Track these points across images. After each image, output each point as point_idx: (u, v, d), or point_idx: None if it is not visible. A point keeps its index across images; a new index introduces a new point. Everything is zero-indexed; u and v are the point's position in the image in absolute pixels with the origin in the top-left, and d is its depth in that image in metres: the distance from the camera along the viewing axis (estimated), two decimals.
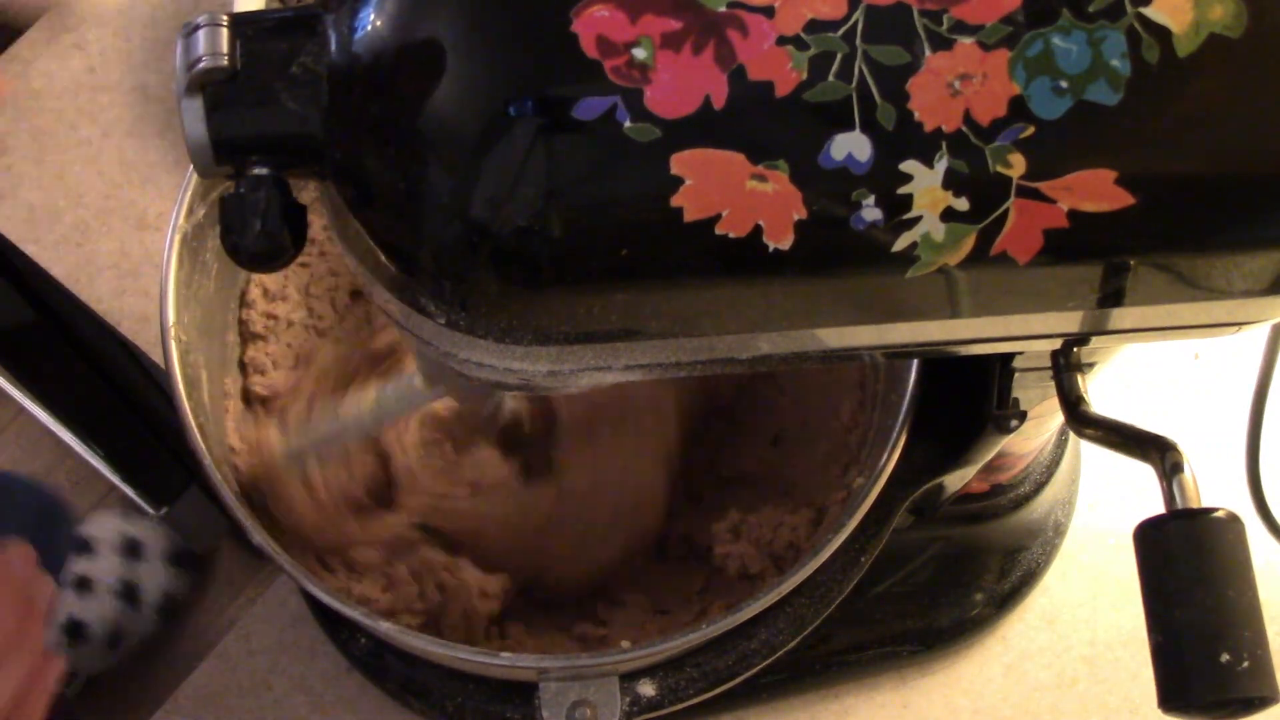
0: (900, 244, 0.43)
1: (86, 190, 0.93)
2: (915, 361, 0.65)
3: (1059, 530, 0.82)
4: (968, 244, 0.43)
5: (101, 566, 1.26)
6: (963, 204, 0.42)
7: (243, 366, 0.76)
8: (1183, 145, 0.43)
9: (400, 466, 0.73)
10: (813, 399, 0.77)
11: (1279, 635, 0.56)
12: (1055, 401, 0.55)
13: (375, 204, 0.44)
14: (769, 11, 0.41)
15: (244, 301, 0.77)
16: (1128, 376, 0.87)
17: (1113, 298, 0.46)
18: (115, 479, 1.32)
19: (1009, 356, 0.58)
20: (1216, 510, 0.48)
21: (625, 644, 0.67)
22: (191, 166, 0.46)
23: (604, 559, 0.75)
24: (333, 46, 0.44)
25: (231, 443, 0.72)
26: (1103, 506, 0.84)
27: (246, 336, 0.76)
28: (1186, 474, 0.49)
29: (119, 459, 1.27)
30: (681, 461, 0.77)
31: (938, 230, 0.43)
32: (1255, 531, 0.54)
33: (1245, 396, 0.66)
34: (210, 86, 0.44)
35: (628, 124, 0.41)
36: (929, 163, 0.42)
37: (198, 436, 0.64)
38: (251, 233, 0.44)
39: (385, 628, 0.64)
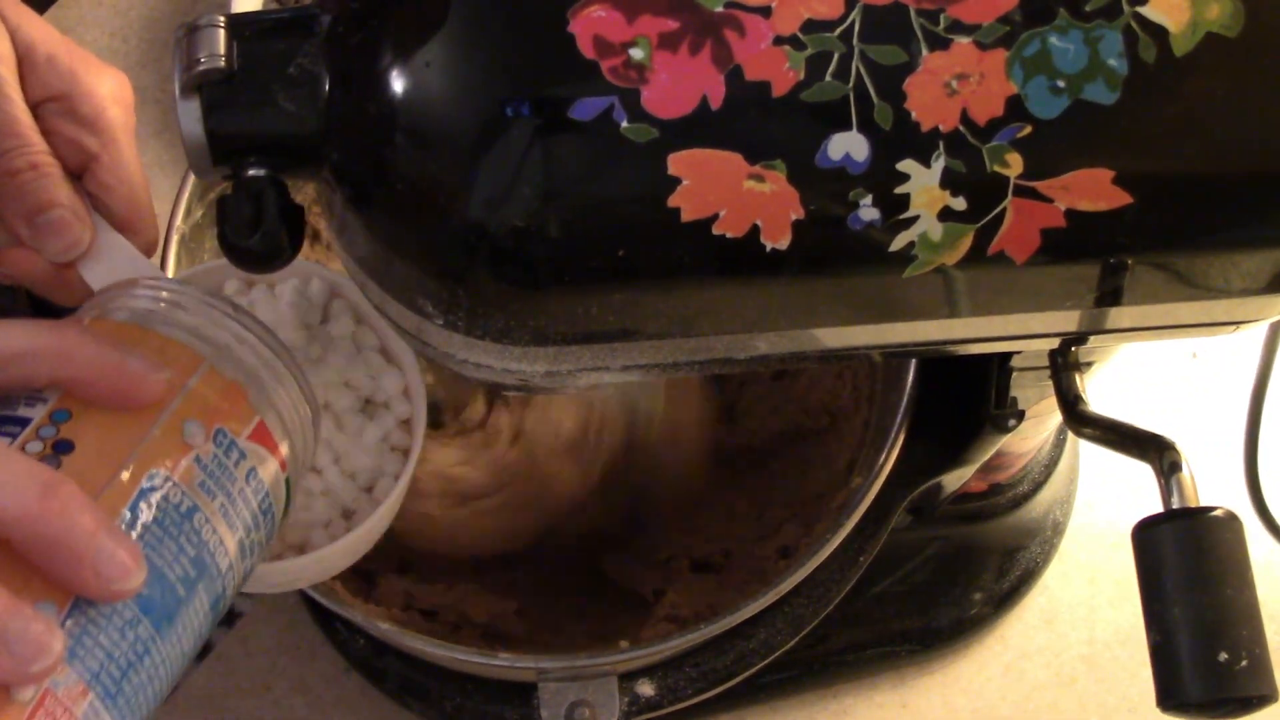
0: (898, 243, 0.43)
1: None
2: (913, 361, 0.65)
3: (1057, 529, 0.82)
4: (965, 243, 0.43)
5: None
6: (960, 203, 0.42)
7: None
8: (1180, 144, 0.43)
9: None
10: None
11: (1277, 634, 0.56)
12: (1053, 401, 0.55)
13: (372, 205, 0.44)
14: (766, 11, 0.41)
15: None
16: (1126, 376, 0.87)
17: (1110, 297, 0.46)
18: None
19: (1007, 356, 0.58)
20: (1214, 509, 0.48)
21: (624, 644, 0.67)
22: (189, 167, 0.46)
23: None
24: (329, 47, 0.44)
25: None
26: (1101, 506, 0.84)
27: None
28: (1185, 473, 0.49)
29: None
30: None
31: (935, 230, 0.43)
32: (1253, 530, 0.54)
33: (1243, 395, 0.66)
34: (207, 87, 0.44)
35: (625, 124, 0.41)
36: (926, 162, 0.42)
37: None
38: (249, 234, 0.44)
39: (384, 628, 0.64)
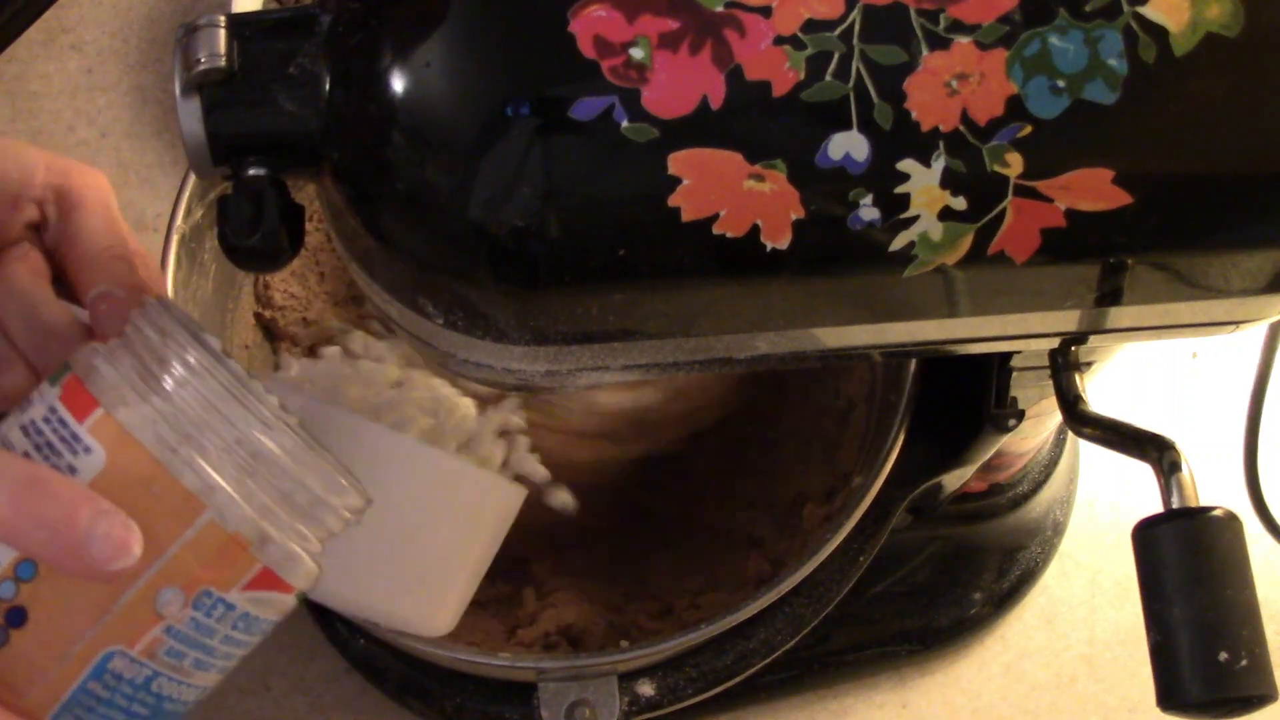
0: (898, 243, 0.43)
1: None
2: (913, 361, 0.65)
3: (1057, 529, 0.82)
4: (965, 243, 0.43)
5: None
6: (960, 203, 0.42)
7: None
8: (1180, 144, 0.43)
9: None
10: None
11: (1277, 634, 0.56)
12: (1053, 401, 0.55)
13: (372, 205, 0.44)
14: (766, 11, 0.41)
15: (265, 301, 0.77)
16: (1126, 376, 0.87)
17: (1110, 297, 0.46)
18: None
19: (1007, 356, 0.58)
20: (1214, 509, 0.48)
21: (624, 644, 0.67)
22: (189, 167, 0.46)
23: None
24: (330, 47, 0.44)
25: None
26: (1101, 505, 0.84)
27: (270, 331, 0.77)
28: (1184, 473, 0.49)
29: None
30: None
31: (935, 229, 0.43)
32: (1253, 530, 0.54)
33: (1243, 395, 0.66)
34: (208, 87, 0.44)
35: (625, 124, 0.41)
36: (926, 162, 0.42)
37: None
38: (249, 234, 0.44)
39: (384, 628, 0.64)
